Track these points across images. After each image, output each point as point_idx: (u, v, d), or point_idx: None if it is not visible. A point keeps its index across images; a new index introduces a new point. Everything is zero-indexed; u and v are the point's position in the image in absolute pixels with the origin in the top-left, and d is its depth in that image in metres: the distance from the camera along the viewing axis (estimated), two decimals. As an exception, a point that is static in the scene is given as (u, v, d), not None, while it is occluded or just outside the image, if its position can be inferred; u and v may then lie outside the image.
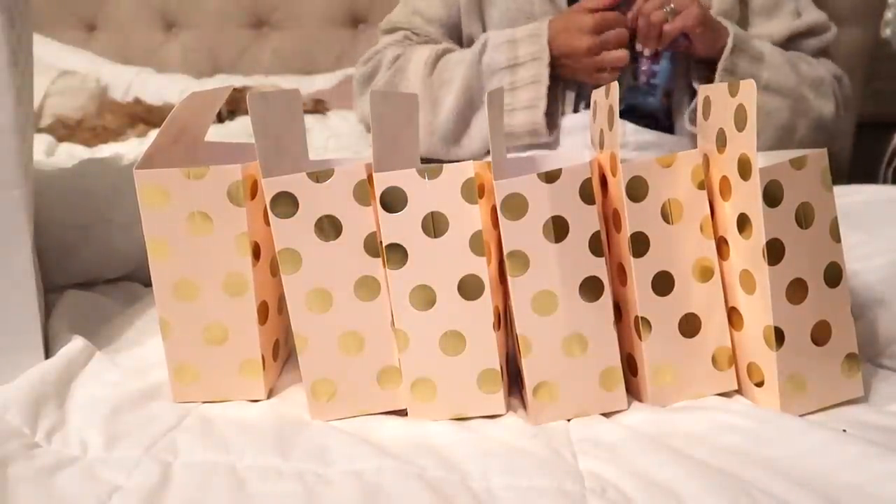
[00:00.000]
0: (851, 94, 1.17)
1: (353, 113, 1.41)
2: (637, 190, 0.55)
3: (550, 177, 0.53)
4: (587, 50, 1.01)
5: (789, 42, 1.12)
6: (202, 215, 0.57)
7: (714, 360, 0.57)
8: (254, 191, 0.59)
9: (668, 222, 0.56)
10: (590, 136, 0.66)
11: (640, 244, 0.55)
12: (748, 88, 0.52)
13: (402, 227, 0.54)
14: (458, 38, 1.18)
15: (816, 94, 1.08)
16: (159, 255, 0.57)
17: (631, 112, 1.06)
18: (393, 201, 0.54)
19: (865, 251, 0.72)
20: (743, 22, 1.11)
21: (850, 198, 0.88)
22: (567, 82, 1.07)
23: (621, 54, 1.02)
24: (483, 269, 0.54)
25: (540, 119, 1.04)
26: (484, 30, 1.14)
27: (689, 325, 0.57)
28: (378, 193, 0.54)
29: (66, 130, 1.51)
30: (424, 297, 0.55)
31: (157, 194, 0.57)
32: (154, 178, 0.56)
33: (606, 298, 0.55)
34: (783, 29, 1.11)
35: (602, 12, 1.02)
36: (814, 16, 1.14)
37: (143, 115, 1.57)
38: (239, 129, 1.42)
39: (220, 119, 1.50)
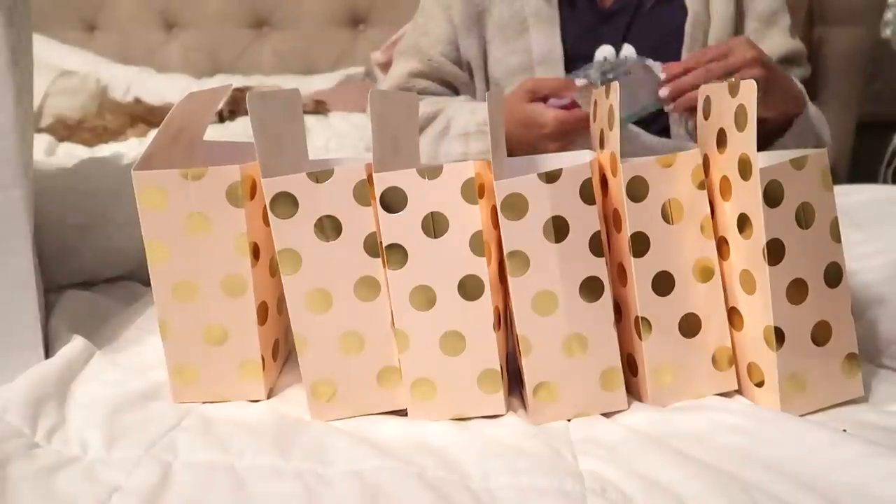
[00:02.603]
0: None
1: (353, 113, 1.40)
2: (637, 190, 0.55)
3: (551, 177, 0.53)
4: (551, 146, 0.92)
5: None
6: (201, 216, 0.57)
7: (714, 360, 0.57)
8: (253, 191, 0.59)
9: (668, 222, 0.56)
10: None
11: (641, 244, 0.55)
12: (748, 88, 0.52)
13: (402, 228, 0.54)
14: (460, 58, 1.13)
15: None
16: (158, 257, 0.57)
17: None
18: (393, 201, 0.54)
19: (865, 251, 0.72)
20: (739, 32, 1.10)
21: (850, 198, 0.88)
22: None
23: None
24: (483, 269, 0.54)
25: None
26: (482, 45, 1.10)
27: (690, 325, 0.57)
28: (378, 193, 0.54)
29: (66, 130, 1.51)
30: (424, 298, 0.55)
31: (156, 195, 0.56)
32: (152, 179, 0.56)
33: (606, 298, 0.55)
34: (779, 48, 1.07)
35: (566, 118, 0.89)
36: (799, 43, 1.11)
37: (143, 115, 1.58)
38: (239, 130, 1.42)
39: (221, 119, 1.50)
